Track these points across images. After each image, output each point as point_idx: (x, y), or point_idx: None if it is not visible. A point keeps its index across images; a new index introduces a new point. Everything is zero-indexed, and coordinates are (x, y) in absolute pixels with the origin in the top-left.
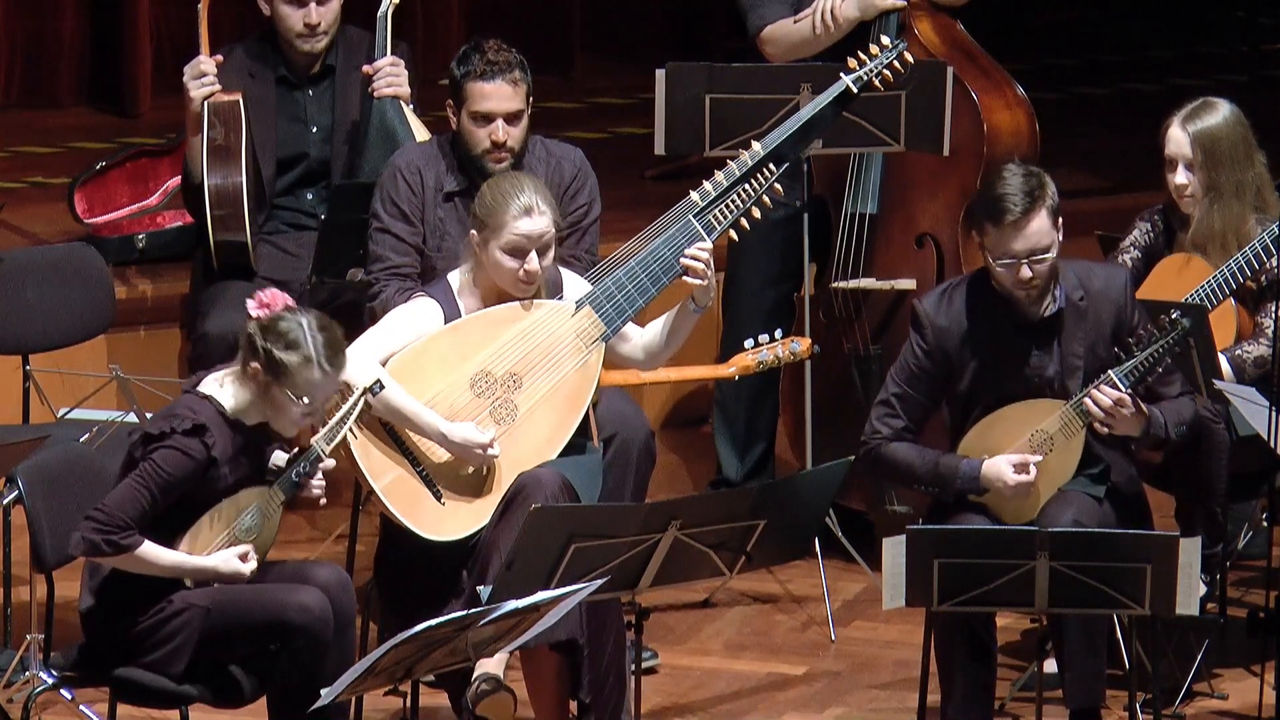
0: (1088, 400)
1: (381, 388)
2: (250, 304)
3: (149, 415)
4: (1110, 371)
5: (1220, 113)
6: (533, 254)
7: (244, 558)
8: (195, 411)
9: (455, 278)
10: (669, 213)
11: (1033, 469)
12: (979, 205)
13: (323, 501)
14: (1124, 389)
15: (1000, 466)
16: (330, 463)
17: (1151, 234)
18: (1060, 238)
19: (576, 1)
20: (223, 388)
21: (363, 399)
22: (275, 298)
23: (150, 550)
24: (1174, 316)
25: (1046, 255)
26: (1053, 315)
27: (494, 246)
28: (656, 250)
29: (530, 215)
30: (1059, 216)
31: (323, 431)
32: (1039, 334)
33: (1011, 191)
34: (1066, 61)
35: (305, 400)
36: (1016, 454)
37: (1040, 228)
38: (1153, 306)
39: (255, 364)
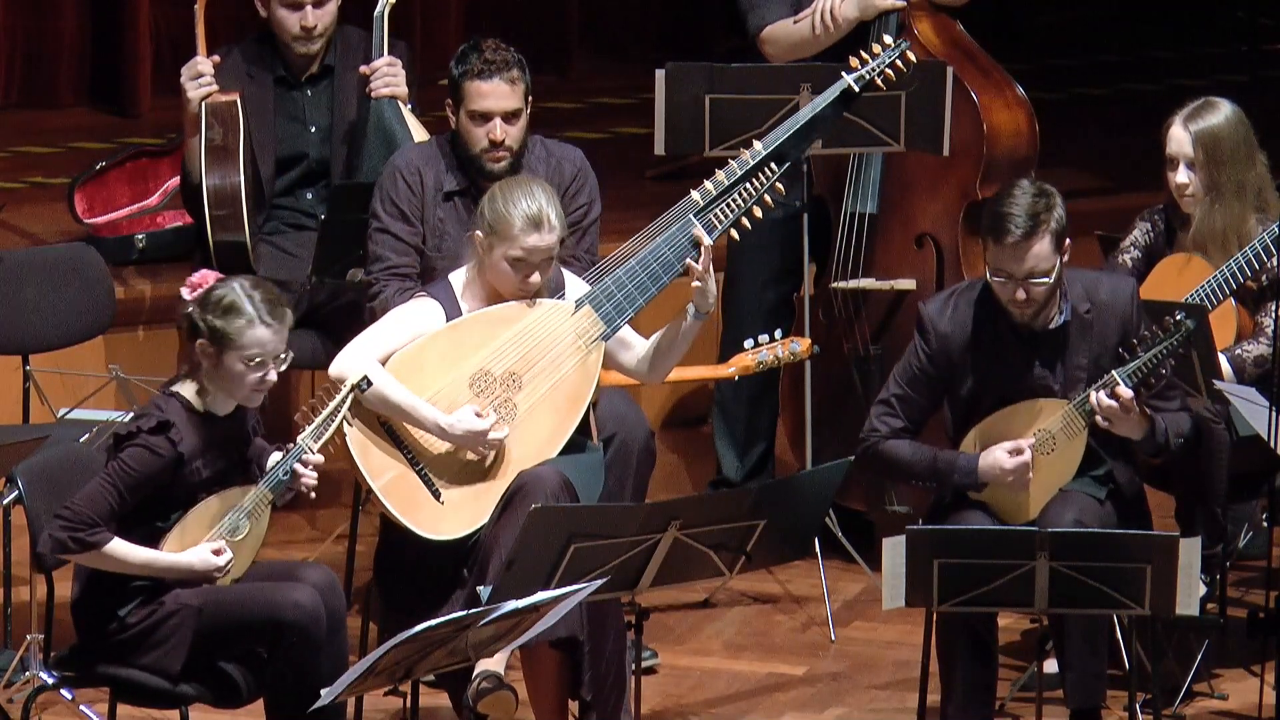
0: (1092, 398)
1: (369, 384)
2: (184, 291)
3: None
4: (1114, 372)
5: (1222, 112)
6: (535, 269)
7: (217, 552)
8: (162, 409)
9: (457, 278)
10: (670, 211)
11: (1027, 451)
12: (985, 217)
13: (313, 495)
14: (1126, 389)
15: (995, 455)
16: (319, 458)
17: (1152, 234)
18: (1066, 259)
19: (574, 1)
20: (188, 383)
21: (350, 395)
22: (205, 277)
23: (120, 548)
24: (1178, 318)
25: (1043, 279)
26: (1058, 327)
27: (497, 253)
28: (657, 249)
29: (539, 230)
30: (1064, 239)
31: (309, 429)
32: (1043, 345)
33: (1016, 212)
34: (1066, 61)
35: (257, 360)
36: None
37: (1039, 252)
38: (1155, 307)
39: (201, 340)
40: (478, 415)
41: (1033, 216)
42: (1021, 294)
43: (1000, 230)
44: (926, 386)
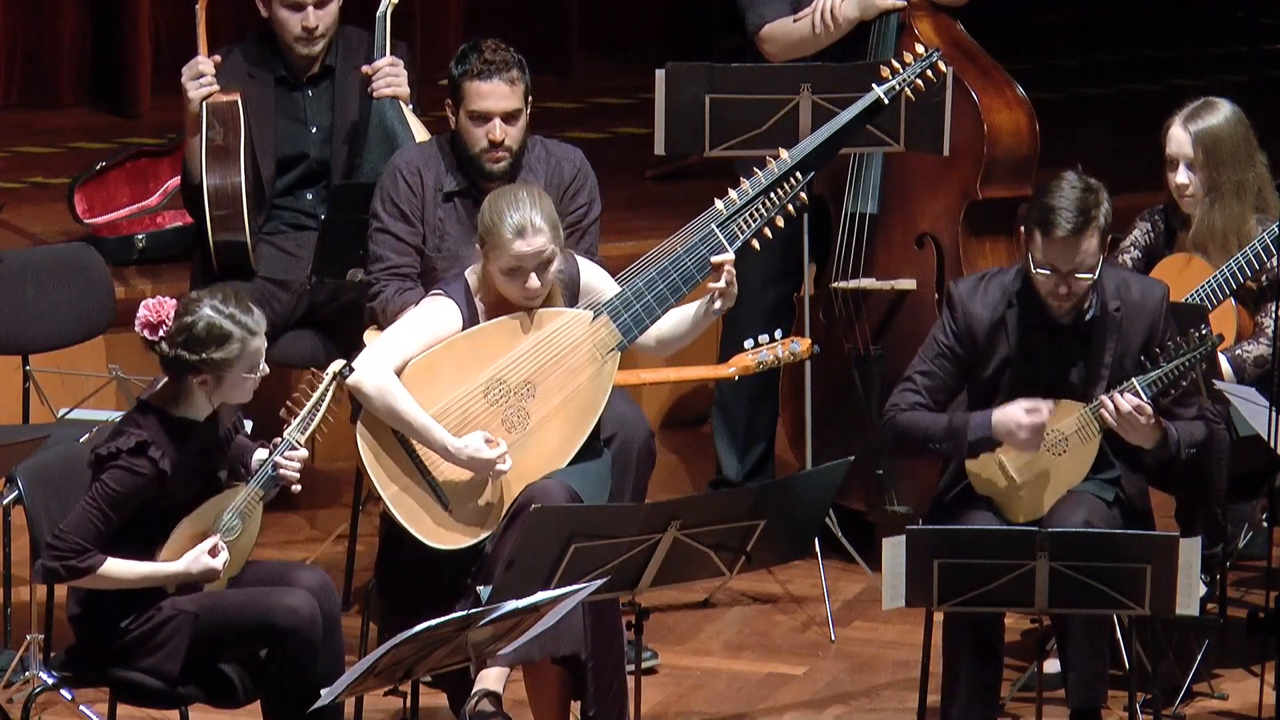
0: (1105, 403)
1: (351, 371)
2: (142, 330)
3: None
4: (1133, 380)
5: (1222, 112)
6: (532, 274)
7: (213, 552)
8: (140, 426)
9: (472, 275)
10: (694, 221)
11: (1044, 410)
12: (1032, 209)
13: (296, 489)
14: (1144, 398)
15: (1012, 411)
16: (303, 453)
17: (1152, 234)
18: (1105, 254)
19: (574, 1)
20: (171, 399)
21: (332, 385)
22: (158, 309)
23: (114, 567)
24: (1203, 331)
25: (1088, 275)
26: (1086, 322)
27: (493, 265)
28: (678, 260)
29: (524, 236)
30: (1109, 235)
31: (295, 422)
32: (1070, 339)
33: (1066, 206)
34: (1066, 61)
35: (256, 366)
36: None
37: (1088, 248)
38: (1177, 310)
39: (200, 376)
40: (488, 442)
41: (1083, 212)
42: (1064, 288)
43: (1050, 224)
44: (952, 363)
